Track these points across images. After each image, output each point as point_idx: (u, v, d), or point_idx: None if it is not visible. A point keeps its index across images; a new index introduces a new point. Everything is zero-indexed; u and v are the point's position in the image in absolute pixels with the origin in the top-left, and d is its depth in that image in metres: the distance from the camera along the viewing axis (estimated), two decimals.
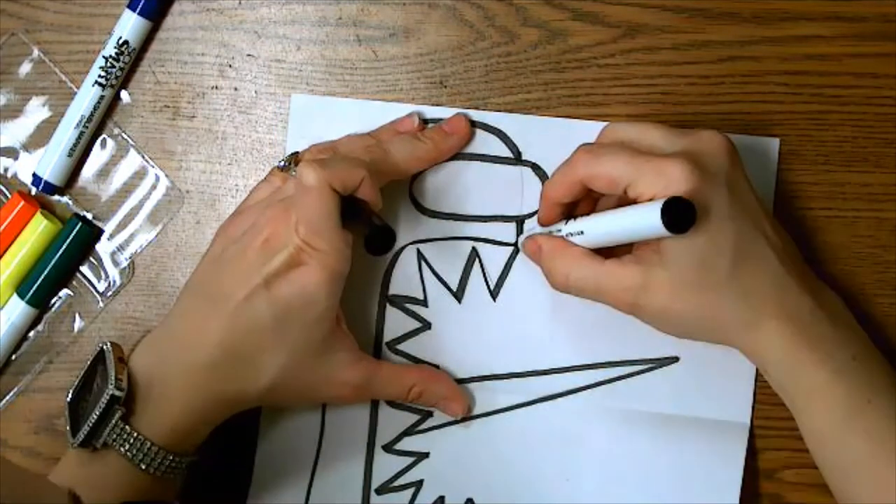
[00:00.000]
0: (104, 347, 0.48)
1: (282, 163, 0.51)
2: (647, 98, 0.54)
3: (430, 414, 0.54)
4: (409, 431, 0.54)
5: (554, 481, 0.53)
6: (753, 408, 0.53)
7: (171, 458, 0.46)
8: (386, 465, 0.54)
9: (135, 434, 0.46)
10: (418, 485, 0.53)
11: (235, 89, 0.55)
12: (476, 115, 0.54)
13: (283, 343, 0.47)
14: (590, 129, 0.52)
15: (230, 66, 0.55)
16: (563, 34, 0.54)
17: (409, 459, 0.54)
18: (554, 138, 0.53)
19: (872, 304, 0.54)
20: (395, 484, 0.54)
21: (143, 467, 0.46)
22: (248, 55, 0.55)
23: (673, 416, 0.53)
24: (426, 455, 0.54)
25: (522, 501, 0.53)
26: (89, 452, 0.46)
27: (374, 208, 0.48)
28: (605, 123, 0.51)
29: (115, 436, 0.46)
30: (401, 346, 0.54)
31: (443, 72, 0.54)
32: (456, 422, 0.53)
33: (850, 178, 0.54)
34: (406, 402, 0.53)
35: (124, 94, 0.55)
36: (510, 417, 0.53)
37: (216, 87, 0.55)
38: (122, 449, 0.46)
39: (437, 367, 0.54)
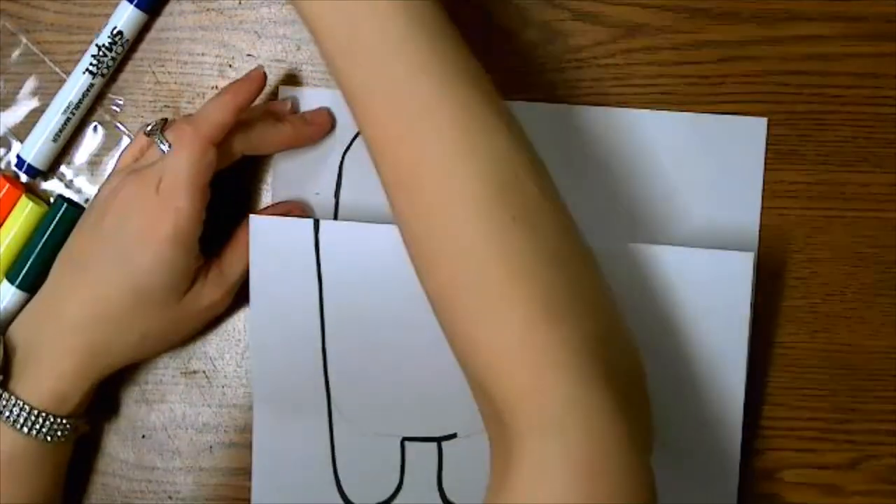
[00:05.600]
0: None
1: (148, 127, 0.51)
2: (647, 98, 0.54)
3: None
4: None
5: None
6: (749, 406, 0.53)
7: (53, 419, 0.49)
8: None
9: (13, 399, 0.48)
10: None
11: None
12: None
13: (144, 303, 0.49)
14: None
15: (230, 66, 0.55)
16: (563, 34, 0.54)
17: None
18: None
19: (872, 304, 0.54)
20: None
21: (27, 431, 0.48)
22: (248, 55, 0.55)
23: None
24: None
25: None
26: None
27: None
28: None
29: None
30: None
31: None
32: None
33: (850, 178, 0.54)
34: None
35: (124, 95, 0.55)
36: None
37: (216, 87, 0.55)
38: (5, 415, 0.48)
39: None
